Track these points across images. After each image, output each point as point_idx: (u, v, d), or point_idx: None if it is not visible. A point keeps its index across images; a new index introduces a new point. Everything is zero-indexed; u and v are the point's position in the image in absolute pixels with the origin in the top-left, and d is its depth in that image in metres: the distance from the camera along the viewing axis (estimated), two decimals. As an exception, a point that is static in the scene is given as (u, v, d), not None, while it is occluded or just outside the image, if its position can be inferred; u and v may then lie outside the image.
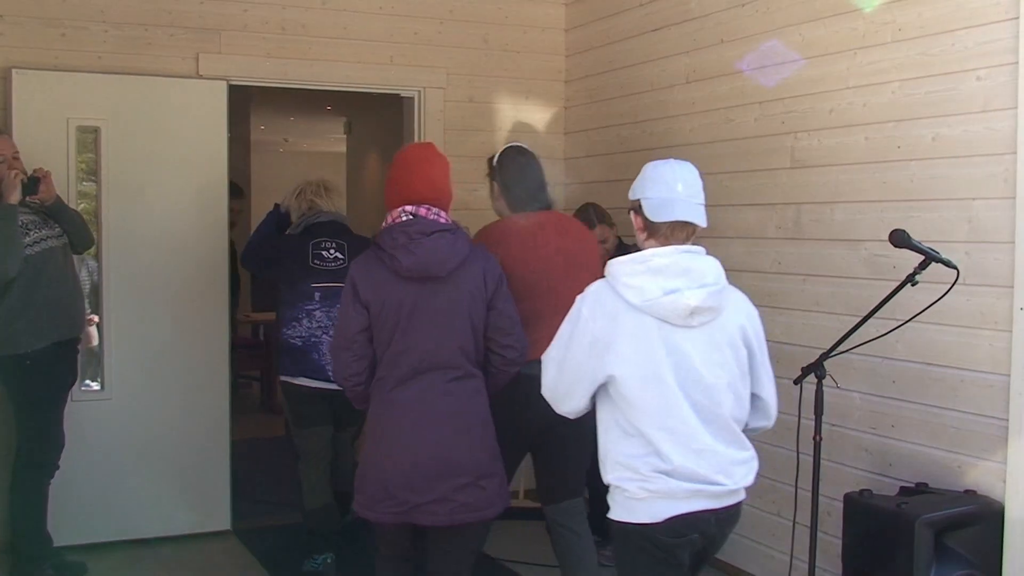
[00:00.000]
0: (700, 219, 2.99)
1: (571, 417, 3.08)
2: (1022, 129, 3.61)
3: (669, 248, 2.94)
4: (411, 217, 3.58)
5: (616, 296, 2.91)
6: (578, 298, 3.02)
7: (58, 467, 4.98)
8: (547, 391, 3.07)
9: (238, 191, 6.62)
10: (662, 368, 2.86)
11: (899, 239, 3.52)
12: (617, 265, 2.97)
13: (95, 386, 5.50)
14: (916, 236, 3.58)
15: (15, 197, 4.67)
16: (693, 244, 3.01)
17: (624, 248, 5.38)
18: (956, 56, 3.89)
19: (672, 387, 2.86)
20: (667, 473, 2.85)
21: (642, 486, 2.87)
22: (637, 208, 3.01)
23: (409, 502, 3.50)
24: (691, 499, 2.88)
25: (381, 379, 3.58)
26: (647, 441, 2.86)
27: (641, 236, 3.03)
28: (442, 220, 3.61)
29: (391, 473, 3.52)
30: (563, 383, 3.00)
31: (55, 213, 4.87)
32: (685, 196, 2.97)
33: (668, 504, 2.87)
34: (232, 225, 6.28)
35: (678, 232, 2.98)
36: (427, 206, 3.60)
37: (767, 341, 3.12)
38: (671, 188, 2.96)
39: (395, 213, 3.61)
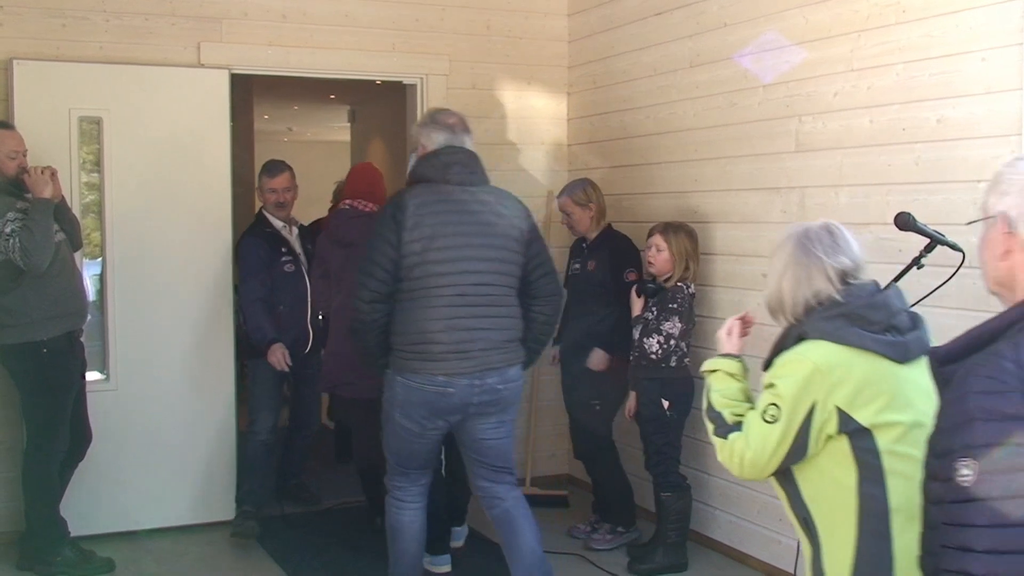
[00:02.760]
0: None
1: None
2: (1027, 110, 3.59)
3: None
4: (348, 207, 5.26)
5: None
6: None
7: (82, 457, 5.08)
8: None
9: (278, 168, 5.74)
10: None
11: (904, 222, 3.49)
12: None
13: (100, 376, 5.50)
14: (921, 219, 3.55)
15: (48, 192, 4.74)
16: None
17: (611, 234, 5.42)
18: (960, 37, 3.86)
19: None
20: None
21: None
22: None
23: (336, 382, 5.22)
24: None
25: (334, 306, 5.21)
26: None
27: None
28: (365, 209, 5.19)
29: (331, 365, 5.24)
30: None
31: (58, 211, 4.88)
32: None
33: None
34: (282, 206, 5.65)
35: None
36: (360, 200, 5.25)
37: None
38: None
39: (341, 204, 5.37)
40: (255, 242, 5.59)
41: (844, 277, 2.67)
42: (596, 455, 5.46)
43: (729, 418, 2.68)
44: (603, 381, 5.29)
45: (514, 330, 4.15)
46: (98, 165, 5.48)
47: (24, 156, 4.86)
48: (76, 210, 5.25)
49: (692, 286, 4.97)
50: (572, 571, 5.08)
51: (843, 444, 2.51)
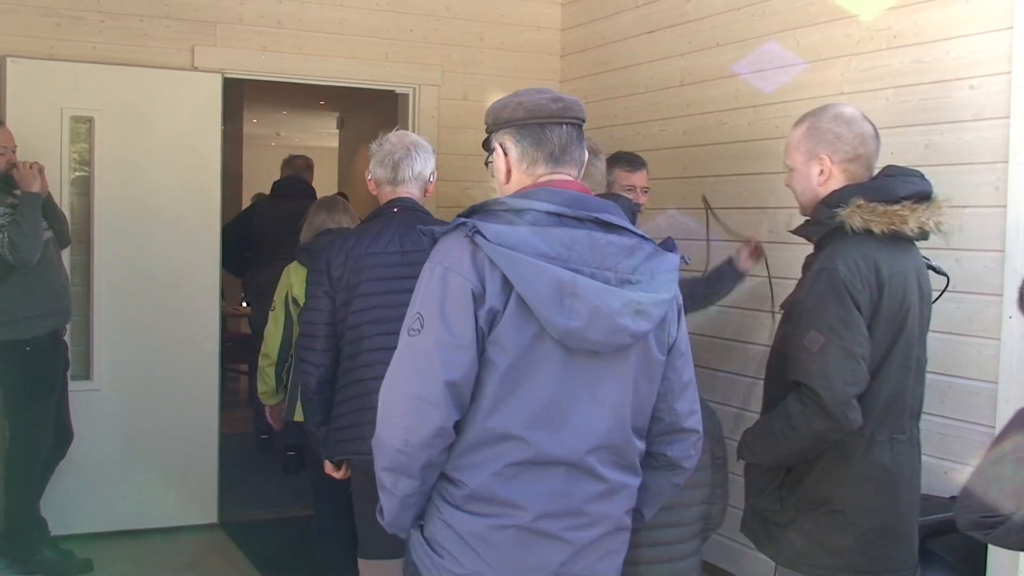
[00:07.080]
0: None
1: None
2: (1014, 138, 3.64)
3: None
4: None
5: None
6: None
7: (63, 456, 5.10)
8: None
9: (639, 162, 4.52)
10: None
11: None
12: None
13: (83, 377, 5.49)
14: (907, 242, 3.58)
15: (36, 186, 4.75)
16: None
17: None
18: (950, 64, 3.91)
19: None
20: None
21: None
22: None
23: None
24: None
25: None
26: None
27: None
28: None
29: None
30: None
31: (46, 208, 4.88)
32: None
33: None
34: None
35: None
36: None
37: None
38: None
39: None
40: None
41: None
42: None
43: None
44: None
45: None
46: (88, 164, 5.48)
47: (13, 152, 4.86)
48: (64, 208, 5.25)
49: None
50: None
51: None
